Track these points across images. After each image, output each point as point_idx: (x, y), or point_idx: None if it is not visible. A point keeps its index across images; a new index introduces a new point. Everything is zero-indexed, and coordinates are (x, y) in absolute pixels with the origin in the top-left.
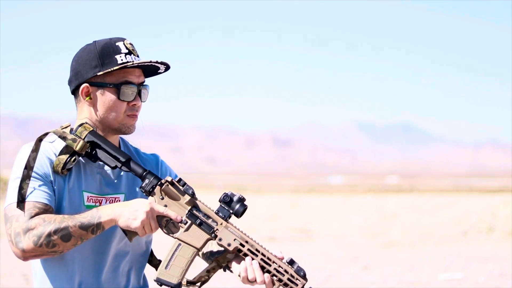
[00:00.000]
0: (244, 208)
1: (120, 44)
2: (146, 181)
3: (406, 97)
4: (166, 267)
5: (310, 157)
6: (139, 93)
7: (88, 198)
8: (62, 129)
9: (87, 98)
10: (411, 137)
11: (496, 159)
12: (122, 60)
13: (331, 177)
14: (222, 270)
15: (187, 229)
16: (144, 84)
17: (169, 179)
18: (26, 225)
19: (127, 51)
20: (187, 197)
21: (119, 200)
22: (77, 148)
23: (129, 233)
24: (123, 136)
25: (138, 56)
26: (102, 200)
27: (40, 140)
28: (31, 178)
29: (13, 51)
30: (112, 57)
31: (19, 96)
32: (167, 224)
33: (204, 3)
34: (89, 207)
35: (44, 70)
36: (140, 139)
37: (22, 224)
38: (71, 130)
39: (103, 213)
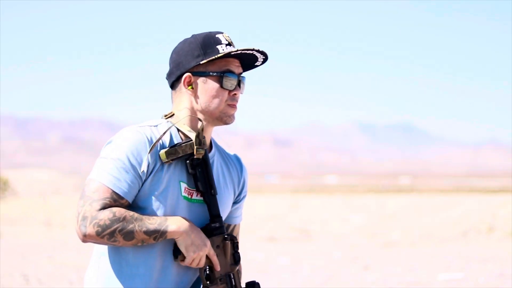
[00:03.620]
0: None
1: (220, 36)
2: (215, 224)
3: (406, 97)
4: None
5: (310, 157)
6: (238, 84)
7: (185, 189)
8: (166, 118)
9: (189, 88)
10: (411, 137)
11: (496, 159)
12: (223, 50)
13: (327, 176)
14: None
15: (218, 285)
16: (242, 75)
17: (234, 238)
18: (95, 214)
19: (227, 42)
20: (232, 261)
21: None
22: (196, 155)
23: (179, 255)
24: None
25: None
26: (193, 193)
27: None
28: (120, 165)
29: (13, 51)
30: (214, 47)
31: (19, 96)
32: (207, 274)
33: (204, 3)
34: (185, 198)
35: (44, 70)
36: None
37: (92, 212)
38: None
39: (172, 223)
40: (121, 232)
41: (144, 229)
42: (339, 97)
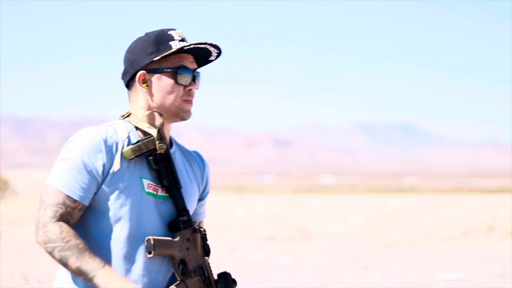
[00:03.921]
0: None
1: (172, 32)
2: (183, 218)
3: (406, 97)
4: None
5: (310, 157)
6: (193, 79)
7: (148, 185)
8: (124, 118)
9: (144, 85)
10: (411, 137)
11: (496, 159)
12: (176, 46)
13: (323, 176)
14: None
15: (192, 278)
16: (197, 71)
17: (202, 229)
18: (47, 222)
19: (180, 38)
20: (203, 253)
21: None
22: (159, 150)
23: (153, 251)
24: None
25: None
26: (158, 189)
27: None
28: (74, 167)
29: (13, 51)
30: (167, 44)
31: (19, 96)
32: (181, 266)
33: (204, 3)
34: (149, 194)
35: (44, 70)
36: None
37: (45, 218)
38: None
39: (101, 275)
40: (59, 252)
41: (78, 264)
42: (339, 97)
